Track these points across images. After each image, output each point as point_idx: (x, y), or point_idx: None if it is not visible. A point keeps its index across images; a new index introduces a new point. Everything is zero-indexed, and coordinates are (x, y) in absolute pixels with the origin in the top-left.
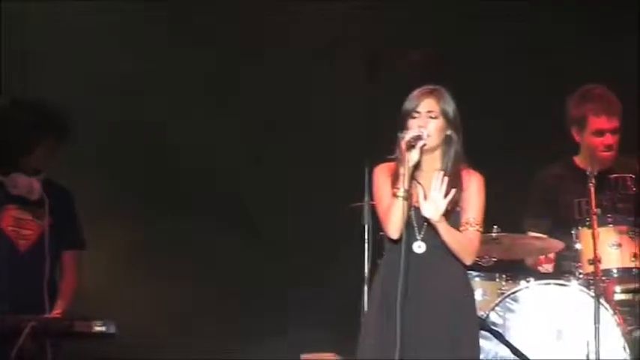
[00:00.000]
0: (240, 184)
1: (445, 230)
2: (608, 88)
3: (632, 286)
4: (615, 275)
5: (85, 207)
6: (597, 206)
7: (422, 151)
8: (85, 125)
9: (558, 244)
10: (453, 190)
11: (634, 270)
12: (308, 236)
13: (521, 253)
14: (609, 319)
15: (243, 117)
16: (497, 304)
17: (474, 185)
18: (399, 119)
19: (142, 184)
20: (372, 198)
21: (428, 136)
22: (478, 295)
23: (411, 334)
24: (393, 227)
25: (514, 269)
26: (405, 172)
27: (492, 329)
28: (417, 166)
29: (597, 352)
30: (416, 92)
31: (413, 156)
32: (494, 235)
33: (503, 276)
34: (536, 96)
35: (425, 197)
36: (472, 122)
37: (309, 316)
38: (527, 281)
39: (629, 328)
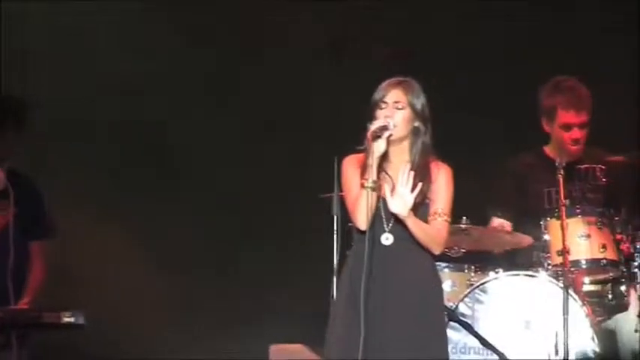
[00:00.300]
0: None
1: (413, 224)
2: (579, 81)
3: (600, 277)
4: (584, 266)
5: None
6: (566, 197)
7: (389, 142)
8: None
9: (527, 239)
10: (420, 184)
11: (603, 261)
12: (286, 229)
13: (490, 245)
14: (578, 310)
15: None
16: (466, 295)
17: (442, 177)
18: (368, 110)
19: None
20: (341, 189)
21: (394, 126)
22: (447, 286)
23: (378, 325)
24: (362, 218)
25: (483, 260)
26: (372, 162)
27: (461, 320)
28: (385, 158)
29: (566, 343)
30: (384, 83)
31: (379, 146)
32: (463, 226)
33: (472, 267)
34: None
35: (392, 193)
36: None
37: (281, 306)
38: (496, 272)
39: (597, 319)
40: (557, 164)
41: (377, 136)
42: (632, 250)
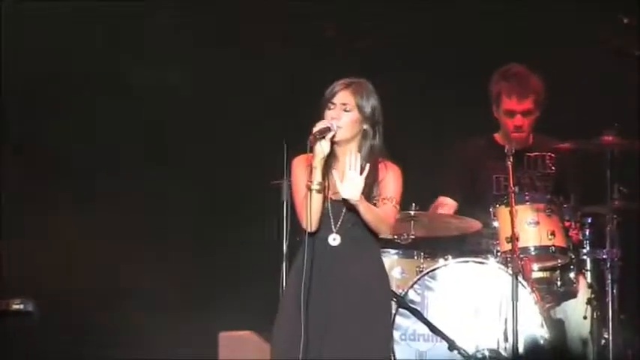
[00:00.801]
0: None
1: (365, 209)
2: (527, 68)
3: (549, 264)
4: (533, 253)
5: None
6: (515, 184)
7: (336, 143)
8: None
9: (476, 224)
10: (368, 166)
11: (551, 248)
12: (241, 216)
13: (439, 231)
14: (527, 296)
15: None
16: (415, 282)
17: (390, 175)
18: (319, 107)
19: None
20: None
21: (339, 127)
22: (396, 273)
23: (325, 325)
24: (308, 220)
25: (432, 247)
26: (316, 164)
27: (410, 307)
28: (333, 159)
29: (515, 330)
30: (335, 83)
31: (323, 148)
32: (412, 212)
33: (422, 254)
34: None
35: (341, 180)
36: None
37: (233, 294)
38: (446, 259)
39: (546, 305)
40: (506, 151)
41: (321, 138)
42: (580, 237)
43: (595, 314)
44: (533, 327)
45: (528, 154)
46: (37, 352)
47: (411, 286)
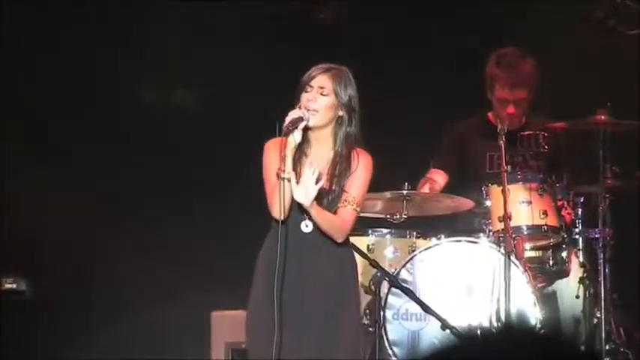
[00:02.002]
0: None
1: (316, 214)
2: (522, 52)
3: (542, 243)
4: (525, 232)
5: None
6: (508, 163)
7: (310, 129)
8: None
9: (468, 203)
10: (324, 178)
11: (544, 227)
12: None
13: (432, 210)
14: (520, 276)
15: None
16: (407, 261)
17: (360, 166)
18: (296, 90)
19: None
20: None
21: (316, 111)
22: (389, 252)
23: (295, 311)
24: (277, 209)
25: (425, 226)
26: (287, 154)
27: (403, 286)
28: (306, 145)
29: (507, 309)
30: (315, 67)
31: (295, 138)
32: (405, 192)
33: (414, 233)
34: None
35: (297, 181)
36: None
37: (220, 273)
38: (438, 238)
39: (539, 285)
40: (498, 130)
41: (294, 128)
42: (573, 217)
43: (587, 293)
44: (526, 306)
45: (521, 133)
46: (29, 331)
47: (404, 266)
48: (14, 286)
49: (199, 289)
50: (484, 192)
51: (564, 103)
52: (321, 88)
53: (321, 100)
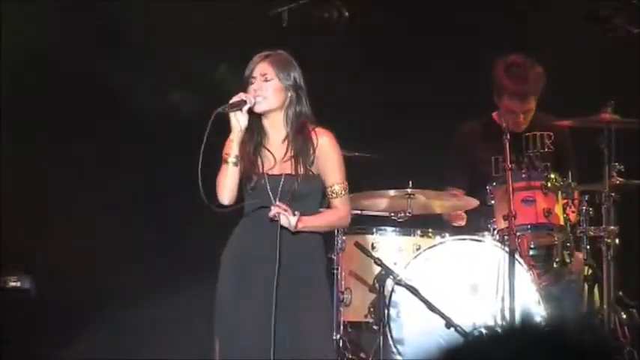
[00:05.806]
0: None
1: (312, 227)
2: (531, 61)
3: (546, 241)
4: (529, 231)
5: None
6: (512, 162)
7: (264, 115)
8: None
9: (473, 202)
10: (287, 165)
11: (548, 226)
12: None
13: (436, 209)
14: (524, 274)
15: None
16: (412, 260)
17: (325, 145)
18: (242, 87)
19: None
20: None
21: (264, 98)
22: (394, 250)
23: (265, 297)
24: (222, 193)
25: (430, 225)
26: (233, 137)
27: (407, 284)
28: (262, 133)
29: (512, 307)
30: (252, 59)
31: (239, 120)
32: (409, 190)
33: (419, 231)
34: None
35: (271, 169)
36: None
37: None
38: (443, 237)
39: (543, 283)
40: (503, 129)
41: (235, 110)
42: (577, 215)
43: (592, 292)
44: (530, 304)
45: (527, 133)
46: (34, 329)
47: (408, 264)
48: (18, 284)
49: (201, 288)
50: (489, 191)
51: (569, 101)
52: (263, 75)
53: (265, 85)
